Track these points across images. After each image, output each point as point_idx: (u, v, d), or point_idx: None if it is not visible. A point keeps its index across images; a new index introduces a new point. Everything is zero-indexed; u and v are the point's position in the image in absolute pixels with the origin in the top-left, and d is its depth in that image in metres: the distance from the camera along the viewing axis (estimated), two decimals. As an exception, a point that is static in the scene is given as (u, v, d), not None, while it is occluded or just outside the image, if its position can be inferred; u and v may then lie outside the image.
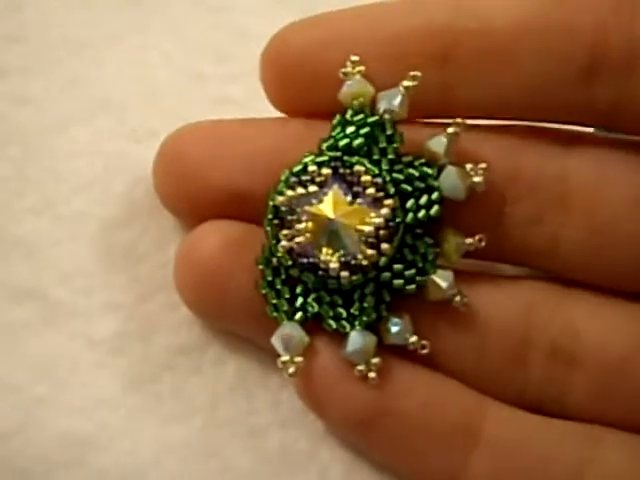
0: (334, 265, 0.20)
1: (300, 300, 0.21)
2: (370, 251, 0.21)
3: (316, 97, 0.22)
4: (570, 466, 0.21)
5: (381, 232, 0.21)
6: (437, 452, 0.21)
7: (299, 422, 0.23)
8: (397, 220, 0.21)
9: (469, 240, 0.21)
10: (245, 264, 0.21)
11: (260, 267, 0.21)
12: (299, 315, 0.21)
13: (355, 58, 0.21)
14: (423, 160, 0.21)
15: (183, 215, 0.23)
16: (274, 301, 0.21)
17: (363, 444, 0.22)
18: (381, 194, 0.21)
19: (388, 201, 0.21)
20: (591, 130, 0.23)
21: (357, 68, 0.21)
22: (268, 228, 0.21)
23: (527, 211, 0.22)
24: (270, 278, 0.21)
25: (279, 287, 0.21)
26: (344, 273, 0.21)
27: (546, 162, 0.22)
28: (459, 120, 0.21)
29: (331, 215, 0.21)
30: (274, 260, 0.21)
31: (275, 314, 0.21)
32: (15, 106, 0.24)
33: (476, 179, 0.21)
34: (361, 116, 0.21)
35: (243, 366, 0.23)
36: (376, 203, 0.21)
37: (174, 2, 0.26)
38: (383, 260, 0.21)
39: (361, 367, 0.21)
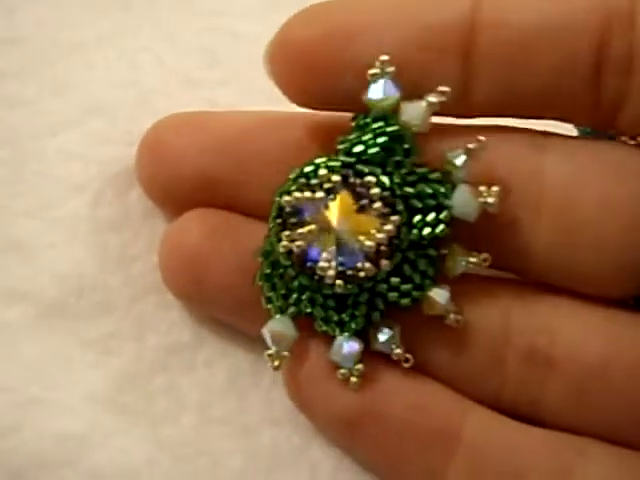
0: (331, 273, 0.20)
1: (294, 296, 0.21)
2: (368, 265, 0.20)
3: (334, 89, 0.21)
4: (550, 475, 0.21)
5: (382, 248, 0.20)
6: (417, 455, 0.21)
7: (290, 420, 0.23)
8: (401, 237, 0.20)
9: (473, 259, 0.21)
10: (226, 251, 0.21)
11: (259, 259, 0.21)
12: (291, 310, 0.21)
13: (385, 58, 0.20)
14: (438, 175, 0.21)
15: (162, 201, 0.23)
16: (269, 294, 0.21)
17: (346, 444, 0.22)
18: (388, 210, 0.20)
19: (394, 217, 0.20)
20: (573, 131, 0.23)
21: (386, 69, 0.20)
22: (271, 224, 0.21)
23: (501, 212, 0.21)
24: (268, 271, 0.21)
25: (275, 281, 0.21)
26: (339, 282, 0.20)
27: (519, 161, 0.21)
28: (481, 138, 0.21)
29: (335, 224, 0.20)
30: (274, 254, 0.21)
31: (268, 306, 0.21)
32: (8, 109, 0.24)
33: (490, 200, 0.21)
34: (381, 124, 0.21)
35: (235, 366, 0.23)
36: (382, 217, 0.20)
37: (165, 5, 0.26)
38: (381, 274, 0.20)
39: (343, 371, 0.21)
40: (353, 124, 0.21)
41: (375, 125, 0.21)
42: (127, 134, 0.24)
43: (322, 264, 0.20)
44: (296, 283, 0.21)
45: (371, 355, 0.21)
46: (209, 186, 0.22)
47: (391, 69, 0.20)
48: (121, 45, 0.25)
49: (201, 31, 0.26)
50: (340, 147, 0.21)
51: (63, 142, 0.24)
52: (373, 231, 0.20)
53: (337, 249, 0.20)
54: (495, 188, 0.21)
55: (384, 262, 0.20)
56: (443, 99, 0.20)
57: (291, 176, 0.21)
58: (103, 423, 0.22)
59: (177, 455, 0.22)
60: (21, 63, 0.25)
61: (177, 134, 0.22)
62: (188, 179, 0.22)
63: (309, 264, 0.20)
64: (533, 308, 0.22)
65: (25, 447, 0.22)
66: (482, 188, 0.21)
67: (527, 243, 0.22)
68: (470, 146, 0.21)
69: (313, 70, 0.21)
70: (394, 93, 0.21)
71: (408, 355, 0.21)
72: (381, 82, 0.20)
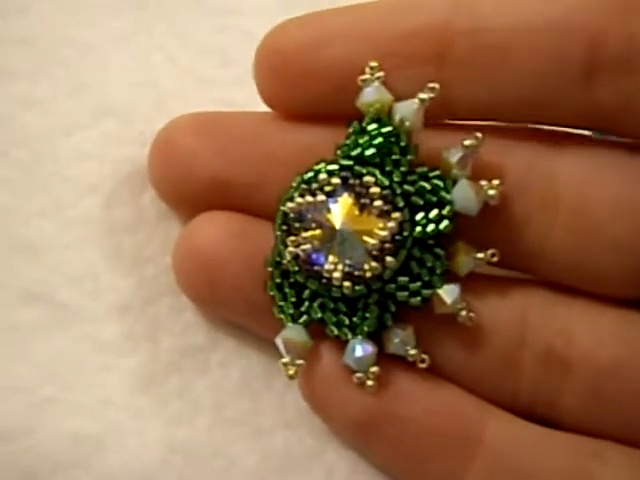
0: (337, 275, 0.20)
1: (306, 304, 0.21)
2: (374, 264, 0.20)
3: (311, 96, 0.21)
4: (569, 479, 0.21)
5: (386, 245, 0.20)
6: (436, 459, 0.21)
7: (304, 422, 0.23)
8: (404, 234, 0.20)
9: (480, 255, 0.21)
10: (240, 254, 0.21)
11: (269, 269, 0.21)
12: (304, 318, 0.21)
13: (374, 64, 0.21)
14: (438, 172, 0.21)
15: (174, 203, 0.23)
16: (280, 303, 0.21)
17: (364, 448, 0.22)
18: (389, 207, 0.20)
19: (396, 214, 0.20)
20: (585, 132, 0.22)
21: (376, 74, 0.21)
22: (277, 233, 0.21)
23: (515, 211, 0.21)
24: (278, 280, 0.21)
25: (286, 290, 0.21)
26: (347, 283, 0.20)
27: (534, 161, 0.21)
28: (478, 134, 0.21)
29: (338, 225, 0.20)
30: (283, 263, 0.21)
31: (281, 316, 0.21)
32: (22, 109, 0.24)
33: (490, 192, 0.21)
34: (375, 126, 0.21)
35: (248, 368, 0.23)
36: (384, 215, 0.20)
37: (179, 4, 0.26)
38: (387, 273, 0.21)
39: (359, 375, 0.21)
40: (350, 130, 0.21)
41: (370, 127, 0.21)
42: (141, 134, 0.24)
43: (328, 266, 0.20)
44: (307, 291, 0.21)
45: (386, 358, 0.21)
46: (222, 188, 0.22)
47: (381, 74, 0.21)
48: (135, 45, 0.25)
49: (215, 30, 0.26)
50: (338, 152, 0.21)
51: (77, 142, 0.24)
52: (376, 230, 0.20)
53: (342, 250, 0.20)
54: (496, 181, 0.21)
55: (389, 259, 0.20)
56: (433, 95, 0.20)
57: (293, 184, 0.21)
58: (117, 425, 0.22)
59: (191, 456, 0.22)
60: (35, 63, 0.24)
61: (189, 135, 0.22)
62: (201, 181, 0.22)
63: (315, 267, 0.21)
64: (550, 308, 0.22)
65: (39, 448, 0.22)
66: (483, 182, 0.21)
67: (541, 243, 0.21)
68: (466, 142, 0.21)
69: (290, 78, 0.21)
70: (386, 96, 0.21)
71: (424, 355, 0.21)
72: (373, 86, 0.21)
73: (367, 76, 0.21)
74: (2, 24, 0.25)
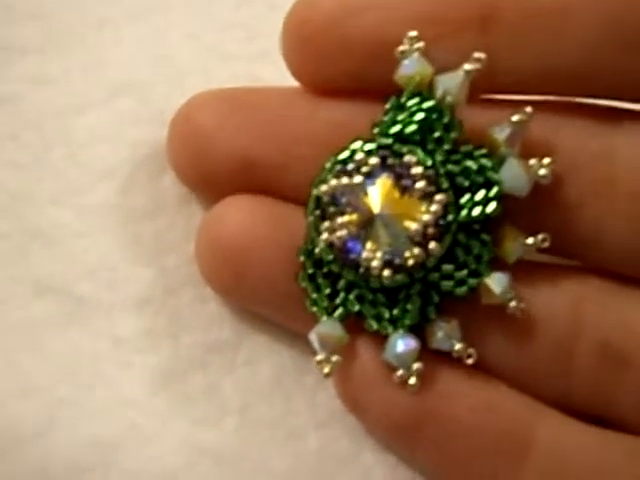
0: (376, 263, 0.19)
1: (341, 296, 0.20)
2: (417, 250, 0.19)
3: (344, 68, 0.20)
4: None
5: (430, 230, 0.19)
6: (484, 461, 0.20)
7: (339, 422, 0.22)
8: (449, 218, 0.19)
9: (530, 240, 0.20)
10: (268, 241, 0.20)
11: (301, 259, 0.20)
12: (339, 312, 0.20)
13: (413, 34, 0.20)
14: (484, 151, 0.20)
15: (196, 187, 0.22)
16: (314, 295, 0.20)
17: (405, 450, 0.21)
18: (432, 188, 0.19)
19: (439, 196, 0.19)
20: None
21: (415, 45, 0.20)
22: (310, 218, 0.20)
23: (567, 194, 0.20)
24: (311, 271, 0.20)
25: (320, 281, 0.20)
26: (386, 272, 0.19)
27: (588, 140, 0.20)
28: (528, 108, 0.19)
29: (376, 209, 0.19)
30: (316, 252, 0.20)
31: (314, 309, 0.20)
32: (32, 87, 0.23)
33: (541, 171, 0.19)
34: (416, 100, 0.20)
35: (278, 364, 0.22)
36: (426, 198, 0.19)
37: (198, -23, 0.25)
38: (431, 260, 0.19)
39: (401, 372, 0.20)
40: (387, 106, 0.20)
41: (410, 103, 0.20)
42: (160, 114, 0.23)
43: (366, 254, 0.19)
44: (342, 282, 0.20)
45: (429, 354, 0.20)
46: (247, 169, 0.21)
47: (420, 44, 0.20)
48: (152, 19, 0.24)
49: (236, 3, 0.25)
50: (375, 131, 0.20)
51: (91, 123, 0.23)
52: (418, 214, 0.19)
53: (381, 237, 0.19)
54: (547, 160, 0.20)
55: (433, 245, 0.19)
56: (479, 67, 0.19)
57: (327, 165, 0.20)
58: (138, 427, 0.21)
59: (217, 461, 0.21)
60: (46, 38, 0.24)
61: (211, 112, 0.21)
62: (224, 161, 0.21)
63: (352, 256, 0.20)
64: (606, 299, 0.21)
65: (54, 451, 0.21)
66: (533, 161, 0.20)
67: (596, 229, 0.20)
68: (515, 118, 0.20)
69: (321, 49, 0.20)
70: (427, 68, 0.20)
71: (470, 350, 0.20)
72: (412, 58, 0.20)
73: (406, 47, 0.20)
74: (12, -2, 0.24)
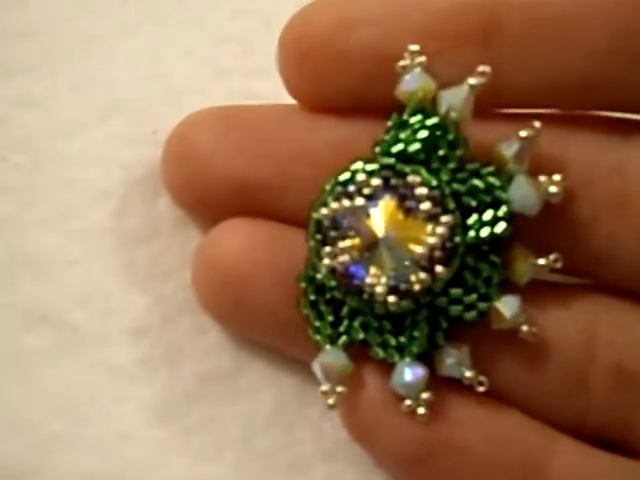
0: (380, 289, 0.19)
1: (345, 324, 0.20)
2: (423, 275, 0.19)
3: (342, 85, 0.20)
4: None
5: (436, 253, 0.19)
6: None
7: (345, 454, 0.21)
8: (456, 240, 0.19)
9: (542, 261, 0.19)
10: (268, 266, 0.20)
11: (302, 285, 0.20)
12: (343, 340, 0.20)
13: (415, 48, 0.19)
14: (492, 169, 0.19)
15: (192, 209, 0.22)
16: (316, 323, 0.20)
17: None
18: (438, 210, 0.19)
19: (446, 218, 0.19)
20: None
21: (417, 60, 0.19)
22: (311, 243, 0.19)
23: (578, 210, 0.20)
24: (313, 297, 0.20)
25: (322, 308, 0.20)
26: (392, 298, 0.19)
27: (600, 154, 0.20)
28: (536, 123, 0.19)
29: (380, 233, 0.19)
30: (317, 278, 0.19)
31: (317, 337, 0.20)
32: (21, 109, 0.23)
33: (552, 189, 0.19)
34: (419, 117, 0.19)
35: (280, 394, 0.21)
36: (432, 220, 0.19)
37: (191, -9, 0.25)
38: (438, 285, 0.19)
39: (409, 402, 0.19)
40: (389, 124, 0.20)
41: (413, 120, 0.20)
42: (154, 134, 0.22)
43: (370, 280, 0.19)
44: (346, 309, 0.20)
45: (438, 381, 0.20)
46: (245, 191, 0.20)
47: (422, 59, 0.19)
48: (145, 36, 0.24)
49: (232, 17, 0.24)
50: (377, 150, 0.20)
51: (83, 144, 0.23)
52: (424, 236, 0.19)
53: (385, 261, 0.19)
54: (557, 177, 0.19)
55: (440, 269, 0.19)
56: (484, 80, 0.19)
57: (327, 187, 0.19)
58: (134, 462, 0.21)
59: (219, 495, 0.21)
60: (34, 58, 0.23)
61: (207, 132, 0.21)
62: (220, 183, 0.20)
63: (356, 282, 0.19)
64: (620, 319, 0.20)
65: (49, 490, 0.20)
66: (542, 178, 0.19)
67: (609, 246, 0.20)
68: (523, 134, 0.19)
69: (318, 66, 0.20)
70: (429, 83, 0.19)
71: (482, 378, 0.19)
72: (414, 73, 0.19)
73: (407, 62, 0.19)
74: (-1, 16, 0.24)
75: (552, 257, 0.19)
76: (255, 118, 0.21)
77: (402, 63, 0.19)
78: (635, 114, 0.20)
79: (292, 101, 0.21)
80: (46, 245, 0.22)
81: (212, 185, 0.20)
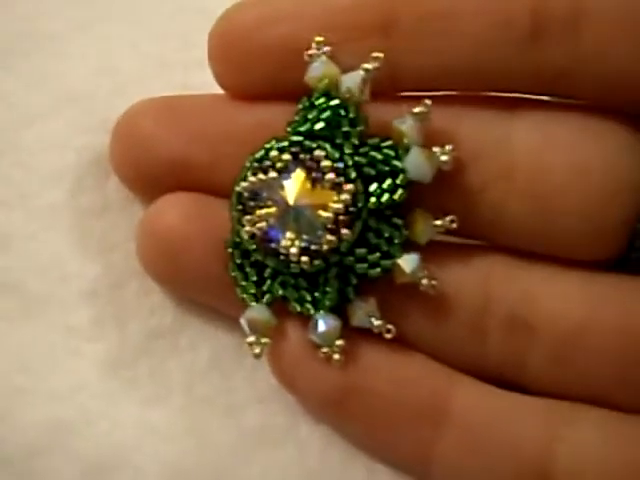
0: (294, 250, 0.20)
1: (268, 283, 0.21)
2: (330, 237, 0.20)
3: (262, 75, 0.21)
4: (540, 443, 0.21)
5: (341, 218, 0.20)
6: (406, 430, 0.21)
7: (276, 399, 0.22)
8: (358, 205, 0.20)
9: (439, 222, 0.21)
10: (201, 234, 0.21)
11: (229, 250, 0.21)
12: (267, 297, 0.21)
13: (320, 39, 0.21)
14: (390, 142, 0.21)
15: (137, 187, 0.23)
16: (242, 283, 0.21)
17: (334, 422, 0.22)
18: (341, 179, 0.20)
19: (348, 186, 0.20)
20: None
21: (322, 49, 0.20)
22: (233, 213, 0.21)
23: (470, 179, 0.21)
24: (239, 261, 0.21)
25: (248, 270, 0.21)
26: (304, 258, 0.20)
27: (488, 129, 0.21)
28: (427, 101, 0.20)
29: (291, 201, 0.20)
30: (242, 243, 0.21)
31: (244, 296, 0.21)
32: None
33: (443, 158, 0.20)
34: (323, 99, 0.21)
35: (218, 347, 0.23)
36: (336, 188, 0.20)
37: (137, -10, 0.25)
38: (344, 245, 0.20)
39: (325, 349, 0.21)
40: (299, 106, 0.21)
41: (318, 102, 0.21)
42: (104, 122, 0.23)
43: (284, 243, 0.20)
44: (269, 270, 0.21)
45: (352, 332, 0.21)
46: (181, 170, 0.22)
47: (327, 48, 0.21)
48: (94, 32, 0.25)
49: (174, 13, 0.25)
50: (288, 129, 0.21)
51: (39, 132, 0.24)
52: (330, 203, 0.20)
53: (297, 225, 0.20)
54: (448, 147, 0.21)
55: (345, 231, 0.20)
56: (377, 65, 0.20)
57: (246, 164, 0.21)
58: (89, 409, 0.22)
59: (164, 437, 0.22)
60: None
61: (149, 119, 0.22)
62: (160, 163, 0.22)
63: (273, 245, 0.20)
64: (511, 274, 0.22)
65: (13, 435, 0.22)
66: (436, 149, 0.21)
67: (498, 211, 0.21)
68: (415, 110, 0.20)
69: (241, 58, 0.21)
70: (333, 69, 0.21)
71: (389, 325, 0.21)
72: (319, 60, 0.21)
73: (313, 51, 0.21)
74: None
75: (448, 218, 0.21)
76: (190, 106, 0.22)
77: (309, 52, 0.20)
78: (520, 93, 0.21)
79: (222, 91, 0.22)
80: (7, 221, 0.23)
81: (153, 165, 0.22)
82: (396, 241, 0.21)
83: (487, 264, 0.22)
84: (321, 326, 0.21)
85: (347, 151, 0.21)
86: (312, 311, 0.21)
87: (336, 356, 0.21)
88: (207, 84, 0.23)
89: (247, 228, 0.21)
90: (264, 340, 0.21)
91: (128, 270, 0.23)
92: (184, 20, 0.25)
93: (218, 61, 0.22)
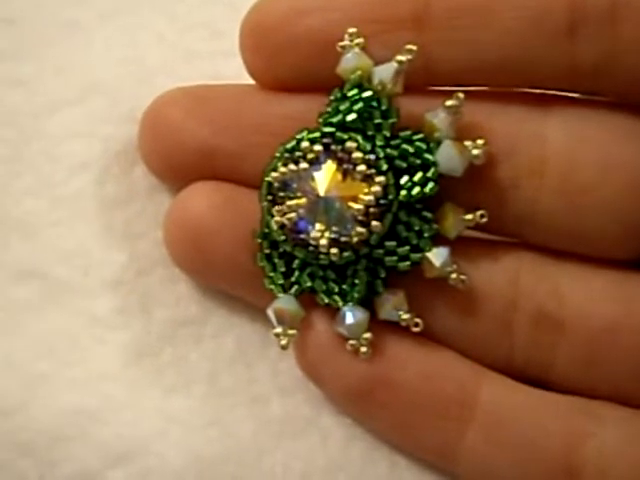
0: (324, 242, 0.20)
1: (296, 274, 0.21)
2: (360, 229, 0.20)
3: (293, 66, 0.21)
4: (565, 439, 0.21)
5: (372, 210, 0.20)
6: (432, 423, 0.21)
7: (299, 389, 0.22)
8: (389, 197, 0.20)
9: (469, 216, 0.21)
10: (229, 223, 0.21)
11: (258, 240, 0.21)
12: (294, 289, 0.21)
13: (353, 30, 0.20)
14: (422, 135, 0.20)
15: (164, 176, 0.23)
16: (270, 274, 0.21)
17: (359, 415, 0.22)
18: (372, 171, 0.20)
19: (379, 178, 0.20)
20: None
21: (355, 41, 0.20)
22: (263, 203, 0.21)
23: (502, 175, 0.21)
24: (267, 251, 0.21)
25: (276, 260, 0.21)
26: (334, 250, 0.20)
27: (521, 125, 0.21)
28: (459, 94, 0.20)
29: (322, 192, 0.20)
30: (271, 234, 0.21)
31: (271, 287, 0.21)
32: (8, 89, 0.24)
33: (475, 152, 0.20)
34: (355, 91, 0.20)
35: (242, 337, 0.23)
36: (367, 180, 0.20)
37: (162, -20, 0.25)
38: (374, 237, 0.20)
39: (353, 342, 0.21)
40: (331, 97, 0.21)
41: (350, 93, 0.20)
42: (129, 111, 0.23)
43: (314, 234, 0.20)
44: (297, 261, 0.21)
45: (379, 324, 0.21)
46: (210, 159, 0.21)
47: (360, 40, 0.20)
48: (120, 21, 0.25)
49: (201, 4, 0.25)
50: (320, 120, 0.21)
51: (65, 121, 0.24)
52: (361, 195, 0.20)
53: (327, 217, 0.20)
54: (480, 141, 0.20)
55: (375, 224, 0.20)
56: (410, 57, 0.20)
57: (276, 154, 0.20)
58: (113, 397, 0.22)
59: (188, 426, 0.22)
60: (20, 43, 0.24)
61: (178, 108, 0.22)
62: (189, 152, 0.22)
63: (302, 236, 0.20)
64: (540, 271, 0.21)
65: (35, 423, 0.22)
66: (467, 142, 0.20)
67: (530, 207, 0.21)
68: (448, 103, 0.20)
69: (272, 49, 0.21)
70: (366, 61, 0.20)
71: (417, 319, 0.21)
72: (352, 52, 0.20)
73: (346, 42, 0.20)
74: (-14, 6, 0.24)
75: (479, 213, 0.21)
76: (219, 95, 0.22)
77: (342, 43, 0.20)
78: (552, 90, 0.21)
79: (252, 81, 0.22)
80: (33, 210, 0.23)
81: (181, 154, 0.22)
82: (426, 235, 0.21)
83: (516, 260, 0.21)
84: (349, 318, 0.21)
85: (379, 143, 0.20)
86: (340, 303, 0.21)
87: (363, 349, 0.21)
88: (233, 74, 0.23)
89: (277, 218, 0.20)
90: (291, 332, 0.21)
91: (153, 258, 0.23)
92: (209, 10, 0.25)
93: (249, 52, 0.21)
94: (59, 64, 0.24)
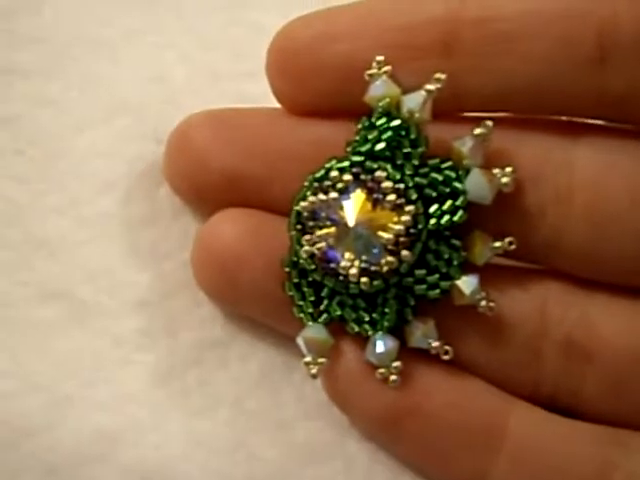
0: (354, 271, 0.20)
1: (325, 303, 0.21)
2: (390, 258, 0.20)
3: (320, 91, 0.21)
4: (595, 469, 0.20)
5: (401, 239, 0.20)
6: (461, 453, 0.21)
7: (324, 414, 0.22)
8: (419, 227, 0.20)
9: (497, 243, 0.20)
10: (258, 252, 0.21)
11: (287, 269, 0.21)
12: (324, 317, 0.21)
13: (380, 58, 0.20)
14: (450, 163, 0.20)
15: (189, 198, 0.22)
16: (300, 303, 0.21)
17: (388, 443, 0.21)
18: (402, 200, 0.20)
19: (409, 207, 0.20)
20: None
21: (383, 69, 0.20)
22: (292, 232, 0.20)
23: (529, 202, 0.21)
24: (296, 280, 0.21)
25: (305, 289, 0.21)
26: (364, 279, 0.20)
27: (549, 152, 0.21)
28: (488, 122, 0.20)
29: (351, 222, 0.20)
30: (300, 262, 0.20)
31: (301, 315, 0.21)
32: (35, 107, 0.23)
33: (504, 180, 0.20)
34: (384, 120, 0.20)
35: (267, 361, 0.22)
36: (397, 209, 0.20)
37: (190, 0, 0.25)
38: (404, 266, 0.20)
39: (382, 370, 0.20)
40: (359, 126, 0.20)
41: (379, 122, 0.20)
42: (154, 131, 0.23)
43: (344, 263, 0.20)
44: (326, 290, 0.20)
45: (409, 353, 0.21)
46: (236, 183, 0.21)
47: (388, 68, 0.20)
48: (146, 41, 0.24)
49: (226, 25, 0.25)
50: (348, 149, 0.20)
51: (91, 140, 0.23)
52: (390, 224, 0.20)
53: (357, 247, 0.20)
54: (509, 168, 0.20)
55: (405, 253, 0.20)
56: (440, 86, 0.20)
57: (305, 183, 0.20)
58: (138, 420, 0.22)
59: (212, 449, 0.22)
60: (47, 61, 0.24)
61: (205, 131, 0.21)
62: (215, 176, 0.21)
63: (332, 265, 0.20)
64: (569, 299, 0.21)
65: (60, 445, 0.21)
66: (496, 170, 0.20)
67: (557, 235, 0.21)
68: (476, 131, 0.20)
69: (299, 74, 0.21)
70: (394, 89, 0.20)
71: (447, 347, 0.20)
72: (380, 80, 0.20)
73: (374, 70, 0.20)
74: (15, 23, 0.24)
75: (507, 240, 0.20)
76: (246, 119, 0.21)
77: (370, 72, 0.20)
78: (582, 118, 0.21)
79: (277, 104, 0.21)
80: (58, 229, 0.22)
81: (207, 177, 0.21)
82: (455, 262, 0.20)
83: (544, 288, 0.21)
84: (379, 347, 0.20)
85: (408, 172, 0.20)
86: (370, 332, 0.20)
87: (392, 377, 0.20)
88: (258, 95, 0.23)
89: (306, 248, 0.20)
90: (321, 360, 0.20)
91: (179, 280, 0.22)
92: (235, 32, 0.25)
93: (276, 76, 0.21)
94: (85, 83, 0.24)
